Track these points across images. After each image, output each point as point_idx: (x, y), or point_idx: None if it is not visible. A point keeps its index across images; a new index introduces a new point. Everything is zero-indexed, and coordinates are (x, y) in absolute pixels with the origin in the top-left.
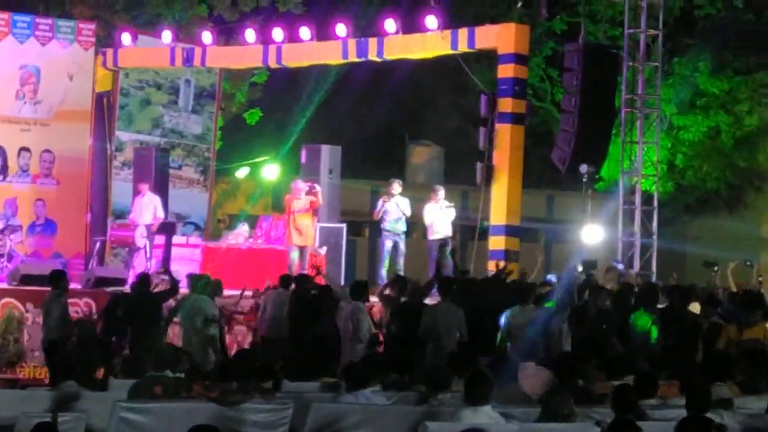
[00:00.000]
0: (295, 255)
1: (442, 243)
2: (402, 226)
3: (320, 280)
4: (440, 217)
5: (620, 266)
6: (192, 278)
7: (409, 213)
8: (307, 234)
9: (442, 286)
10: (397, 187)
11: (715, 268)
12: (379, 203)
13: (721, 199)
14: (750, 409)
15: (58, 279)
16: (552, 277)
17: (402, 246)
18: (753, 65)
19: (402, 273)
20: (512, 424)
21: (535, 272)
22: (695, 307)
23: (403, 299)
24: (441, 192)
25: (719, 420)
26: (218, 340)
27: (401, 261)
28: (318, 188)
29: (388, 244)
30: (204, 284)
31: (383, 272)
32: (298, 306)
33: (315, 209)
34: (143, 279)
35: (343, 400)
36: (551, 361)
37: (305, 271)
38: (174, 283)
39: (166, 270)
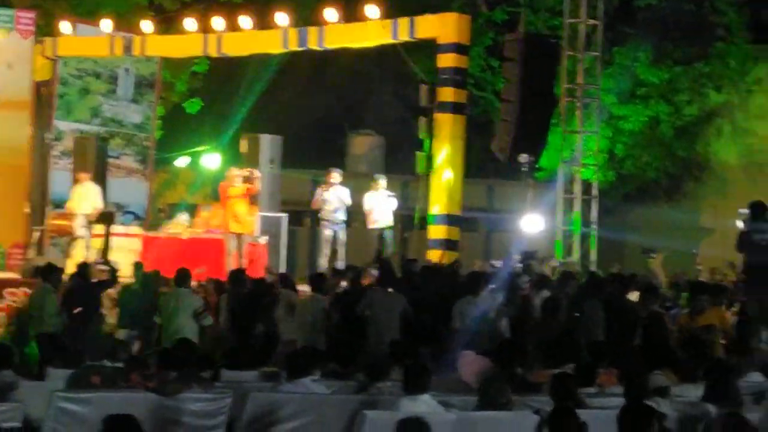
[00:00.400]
0: (232, 243)
1: (380, 232)
2: (341, 216)
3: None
4: (381, 206)
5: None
6: (137, 266)
7: (349, 202)
8: (244, 222)
9: (383, 274)
10: (336, 176)
11: (653, 255)
12: (318, 192)
13: (660, 189)
14: (687, 397)
15: (50, 272)
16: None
17: (341, 235)
18: (693, 55)
19: (343, 262)
20: (451, 413)
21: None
22: (634, 296)
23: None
24: (382, 181)
25: (656, 407)
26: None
27: (341, 250)
28: (257, 174)
29: (328, 234)
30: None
31: (322, 262)
32: (236, 304)
33: (252, 196)
34: (82, 269)
35: (282, 390)
36: (491, 349)
37: (243, 261)
38: (113, 273)
39: (106, 260)
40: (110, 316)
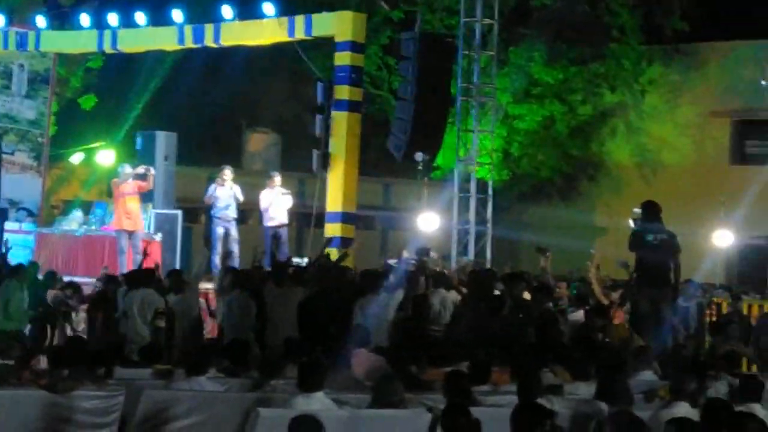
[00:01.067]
0: (124, 240)
1: (274, 232)
2: (233, 213)
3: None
4: (276, 203)
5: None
6: (30, 266)
7: (241, 199)
8: (136, 218)
9: (276, 273)
10: (228, 173)
11: (547, 254)
12: (211, 188)
13: (555, 188)
14: (579, 395)
15: (20, 270)
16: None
17: (234, 232)
18: (587, 55)
19: (237, 259)
20: (344, 411)
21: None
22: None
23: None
24: (277, 178)
25: (549, 406)
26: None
27: (236, 248)
28: (152, 171)
29: (220, 231)
30: (35, 273)
31: (216, 260)
32: None
33: (145, 193)
34: None
35: (175, 387)
36: (385, 347)
37: (137, 258)
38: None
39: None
40: None
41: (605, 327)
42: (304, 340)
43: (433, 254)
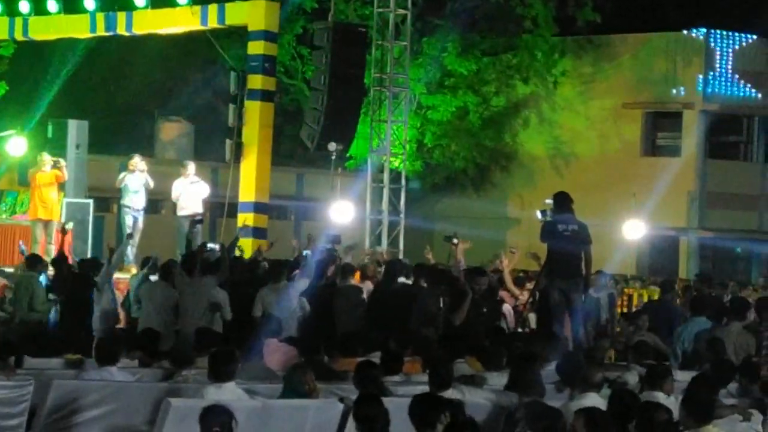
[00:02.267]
0: (38, 229)
1: (197, 220)
2: (142, 202)
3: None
4: (189, 193)
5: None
6: None
7: (151, 185)
8: (52, 208)
9: (186, 263)
10: (138, 160)
11: (455, 241)
12: (121, 174)
13: (468, 179)
14: (493, 385)
15: (36, 262)
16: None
17: (140, 222)
18: (500, 47)
19: (135, 249)
20: (256, 400)
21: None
22: None
23: (153, 278)
24: (191, 167)
25: (460, 396)
26: None
27: (137, 237)
28: (63, 162)
29: (129, 220)
30: None
31: (129, 250)
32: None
33: (60, 183)
34: None
35: (86, 377)
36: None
37: (51, 248)
38: None
39: None
40: None
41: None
42: (215, 331)
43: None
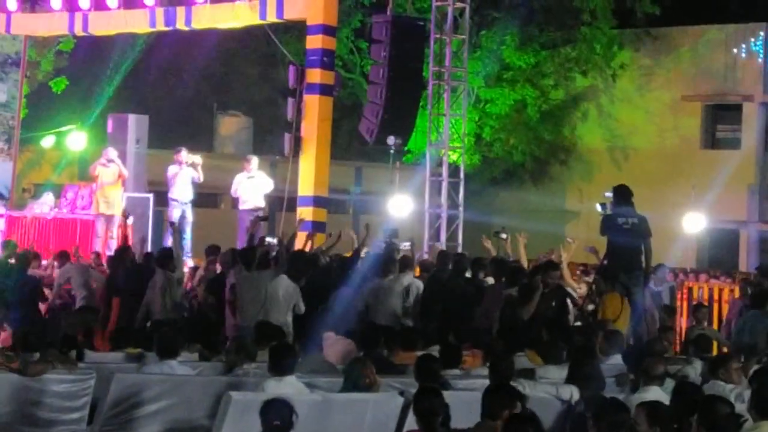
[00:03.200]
0: (100, 224)
1: (260, 217)
2: (189, 194)
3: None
4: (248, 187)
5: (407, 245)
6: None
7: (200, 179)
8: (113, 203)
9: (244, 256)
10: (184, 154)
11: (503, 236)
12: (170, 169)
13: (526, 172)
14: (551, 379)
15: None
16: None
17: (189, 215)
18: (558, 40)
19: (189, 242)
20: (316, 394)
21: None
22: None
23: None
24: (253, 161)
25: (521, 389)
26: None
27: (188, 230)
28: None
29: (176, 213)
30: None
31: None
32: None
33: (123, 180)
34: None
35: (146, 371)
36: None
37: (112, 242)
38: None
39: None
40: None
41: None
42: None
43: (406, 245)
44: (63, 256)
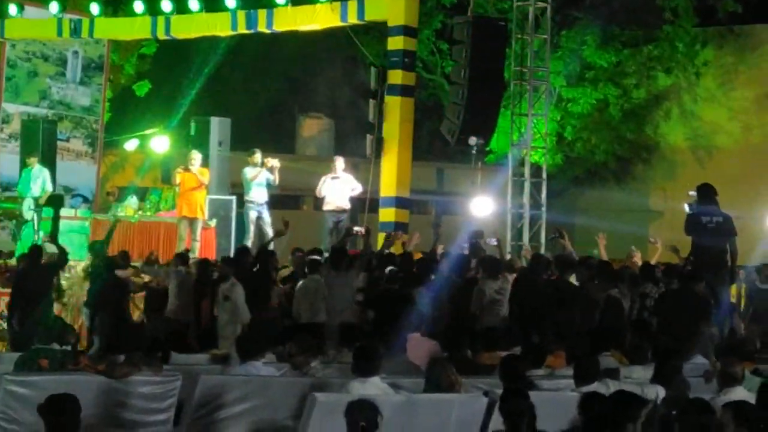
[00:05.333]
0: (183, 227)
1: (334, 216)
2: (264, 196)
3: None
4: (331, 188)
5: (494, 242)
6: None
7: (275, 182)
8: (196, 206)
9: (334, 257)
10: (258, 156)
11: (558, 235)
12: (247, 171)
13: (609, 171)
14: (636, 379)
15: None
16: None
17: (266, 215)
18: (640, 38)
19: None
20: (400, 395)
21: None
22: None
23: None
24: (338, 162)
25: (605, 390)
26: None
27: (269, 230)
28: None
29: (252, 215)
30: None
31: (249, 244)
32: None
33: (206, 185)
34: (34, 251)
35: (231, 372)
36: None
37: (196, 245)
38: (62, 253)
39: (53, 239)
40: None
41: None
42: (359, 325)
43: (492, 241)
44: (149, 261)
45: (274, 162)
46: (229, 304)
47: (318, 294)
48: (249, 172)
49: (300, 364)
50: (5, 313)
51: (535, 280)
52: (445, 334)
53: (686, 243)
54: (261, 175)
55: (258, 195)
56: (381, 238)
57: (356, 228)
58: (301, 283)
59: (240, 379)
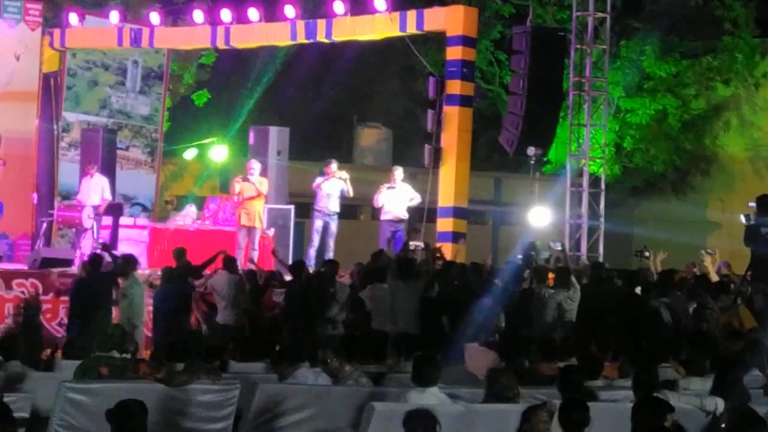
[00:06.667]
0: (242, 236)
1: (392, 228)
2: (334, 206)
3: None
4: (388, 198)
5: (558, 246)
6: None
7: (350, 194)
8: (255, 215)
9: (400, 267)
10: (334, 167)
11: (647, 254)
12: (319, 179)
13: (667, 182)
14: (695, 390)
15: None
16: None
17: (333, 227)
18: (700, 49)
19: (332, 253)
20: (459, 405)
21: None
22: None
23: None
24: (396, 172)
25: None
26: None
27: (331, 242)
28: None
29: (318, 224)
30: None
31: (312, 252)
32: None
33: (264, 195)
34: (95, 259)
35: (290, 381)
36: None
37: (254, 254)
38: (115, 261)
39: (105, 246)
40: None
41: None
42: (417, 335)
43: (557, 245)
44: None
45: (342, 174)
46: (126, 302)
47: (386, 303)
48: (317, 181)
49: (336, 370)
50: (65, 320)
51: (594, 291)
52: (504, 344)
53: (745, 254)
54: (330, 185)
55: (326, 204)
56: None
57: (414, 243)
58: (367, 290)
59: (299, 388)
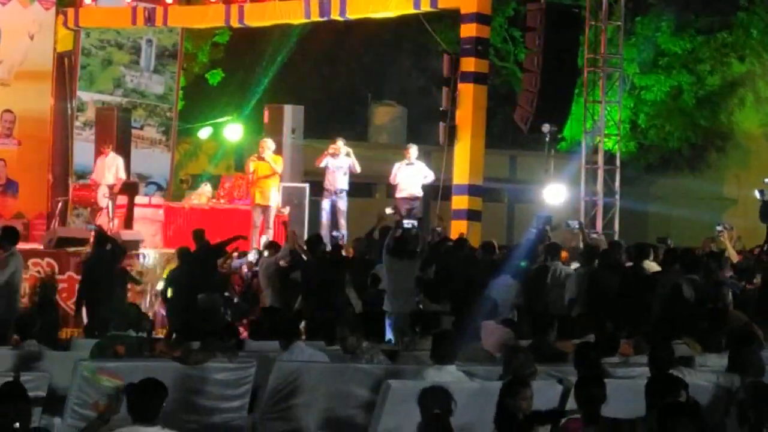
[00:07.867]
0: (257, 214)
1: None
2: (341, 184)
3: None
4: (404, 175)
5: (575, 224)
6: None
7: (357, 170)
8: (270, 194)
9: (396, 246)
10: (340, 144)
11: (669, 242)
12: (325, 158)
13: (683, 159)
14: (710, 367)
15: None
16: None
17: (341, 204)
18: (715, 25)
19: (344, 232)
20: (474, 382)
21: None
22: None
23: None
24: (412, 150)
25: (682, 378)
26: None
27: (342, 220)
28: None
29: (325, 204)
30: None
31: (324, 233)
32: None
33: (279, 173)
34: (98, 238)
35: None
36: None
37: (269, 232)
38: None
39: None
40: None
41: None
42: (432, 312)
43: (574, 223)
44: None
45: (345, 149)
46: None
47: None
48: (323, 160)
49: (351, 347)
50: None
51: (609, 268)
52: (531, 321)
53: (761, 230)
54: (337, 163)
55: (333, 183)
56: (455, 225)
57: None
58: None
59: (315, 366)
